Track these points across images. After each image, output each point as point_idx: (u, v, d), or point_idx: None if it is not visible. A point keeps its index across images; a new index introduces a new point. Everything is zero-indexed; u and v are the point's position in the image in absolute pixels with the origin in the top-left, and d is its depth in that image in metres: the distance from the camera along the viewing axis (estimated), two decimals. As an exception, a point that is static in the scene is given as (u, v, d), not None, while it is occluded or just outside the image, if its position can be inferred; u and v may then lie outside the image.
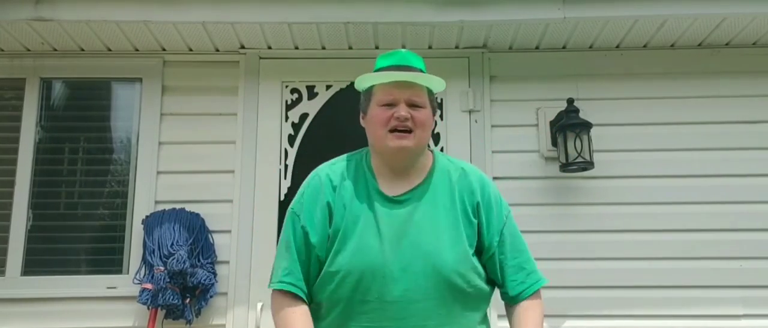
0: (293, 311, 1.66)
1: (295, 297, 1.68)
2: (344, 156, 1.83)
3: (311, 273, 1.71)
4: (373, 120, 1.72)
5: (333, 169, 1.78)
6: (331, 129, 3.72)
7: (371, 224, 1.68)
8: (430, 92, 1.76)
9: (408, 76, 1.70)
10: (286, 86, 3.27)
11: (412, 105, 1.70)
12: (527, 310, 1.72)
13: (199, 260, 2.94)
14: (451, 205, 1.72)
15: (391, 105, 1.69)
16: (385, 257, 1.64)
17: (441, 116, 3.24)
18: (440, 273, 1.64)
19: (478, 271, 1.71)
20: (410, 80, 1.70)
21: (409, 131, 1.69)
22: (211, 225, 3.06)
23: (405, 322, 1.60)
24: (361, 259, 1.65)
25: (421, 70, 1.78)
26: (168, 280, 2.84)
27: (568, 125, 3.05)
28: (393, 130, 1.69)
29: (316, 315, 1.71)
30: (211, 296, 2.95)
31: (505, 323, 1.72)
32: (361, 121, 1.81)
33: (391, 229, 1.68)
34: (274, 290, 1.71)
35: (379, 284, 1.62)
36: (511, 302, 1.76)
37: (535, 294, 1.77)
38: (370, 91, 1.76)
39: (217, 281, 2.99)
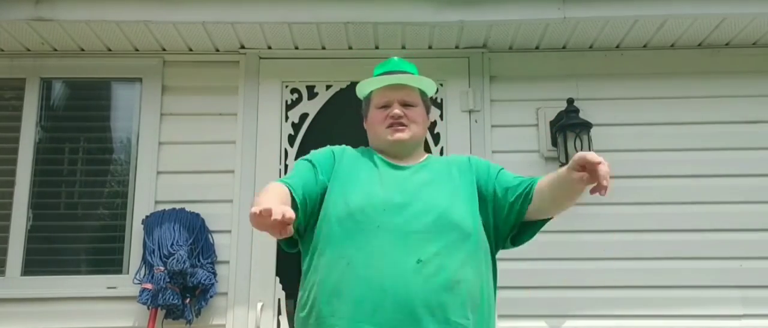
0: (275, 183, 1.67)
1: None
2: None
3: (310, 195, 1.71)
4: (373, 121, 1.91)
5: (350, 148, 1.93)
6: (331, 129, 3.72)
7: (374, 176, 1.78)
8: (422, 93, 1.95)
9: (400, 79, 1.89)
10: (286, 86, 3.28)
11: (405, 104, 1.88)
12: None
13: (199, 260, 2.94)
14: (449, 174, 1.83)
15: (386, 106, 1.88)
16: (386, 196, 1.71)
17: (441, 116, 3.25)
18: (439, 212, 1.68)
19: (477, 218, 1.75)
20: (402, 82, 1.89)
21: (404, 126, 1.86)
22: (211, 225, 3.06)
23: (403, 249, 1.62)
24: (363, 196, 1.70)
25: (414, 74, 1.95)
26: (168, 280, 2.84)
27: (568, 125, 3.05)
28: (390, 126, 1.86)
29: (313, 257, 1.70)
30: (211, 296, 2.95)
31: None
32: (365, 125, 1.99)
33: (394, 181, 1.77)
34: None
35: (378, 215, 1.66)
36: (529, 193, 1.73)
37: None
38: (368, 97, 1.95)
39: (217, 281, 2.99)
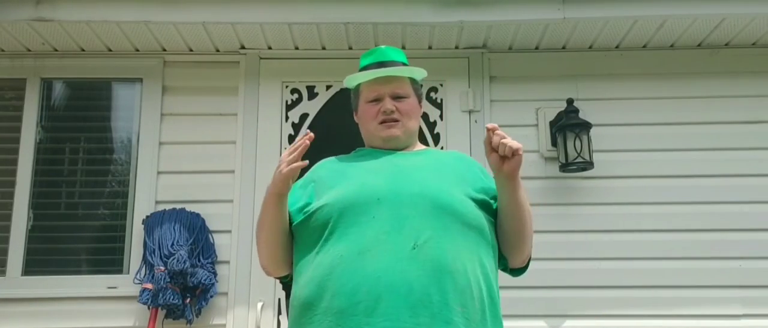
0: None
1: None
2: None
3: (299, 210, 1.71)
4: (364, 116, 1.86)
5: (330, 158, 1.89)
6: (331, 129, 3.72)
7: (366, 168, 1.74)
8: (413, 81, 1.89)
9: (389, 71, 1.83)
10: (287, 86, 3.28)
11: (396, 97, 1.83)
12: None
13: (199, 260, 2.95)
14: (450, 164, 1.79)
15: (377, 100, 1.83)
16: (381, 183, 1.65)
17: (441, 116, 3.25)
18: (436, 196, 1.62)
19: (474, 203, 1.67)
20: (391, 74, 1.84)
21: (397, 121, 1.82)
22: (211, 225, 3.07)
23: (398, 235, 1.54)
24: (356, 188, 1.65)
25: (403, 63, 1.90)
26: (168, 280, 2.84)
27: (568, 125, 3.06)
28: (382, 122, 1.82)
29: (307, 252, 1.65)
30: (211, 296, 2.95)
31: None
32: (355, 118, 1.94)
33: (388, 168, 1.72)
34: None
35: (373, 204, 1.60)
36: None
37: None
38: (357, 90, 1.90)
39: (217, 281, 2.99)
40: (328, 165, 1.82)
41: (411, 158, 1.79)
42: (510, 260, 1.77)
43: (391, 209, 1.58)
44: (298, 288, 1.62)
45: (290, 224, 1.71)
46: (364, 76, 1.85)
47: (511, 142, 1.58)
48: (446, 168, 1.75)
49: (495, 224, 1.71)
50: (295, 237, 1.71)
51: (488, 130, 1.60)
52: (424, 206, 1.59)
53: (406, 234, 1.55)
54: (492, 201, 1.71)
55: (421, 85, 1.98)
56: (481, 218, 1.65)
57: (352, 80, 1.89)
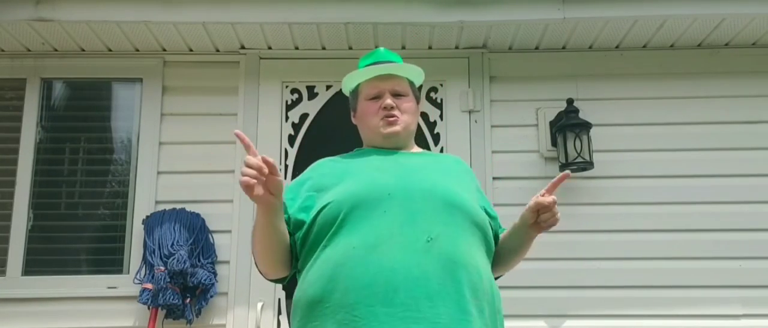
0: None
1: None
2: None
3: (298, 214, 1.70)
4: (363, 114, 1.86)
5: (329, 157, 1.89)
6: (331, 129, 3.72)
7: (371, 165, 1.74)
8: (411, 84, 1.91)
9: (389, 68, 1.86)
10: (286, 86, 3.28)
11: (396, 94, 1.84)
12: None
13: (199, 260, 2.95)
14: (450, 166, 1.83)
15: (377, 97, 1.84)
16: (389, 179, 1.66)
17: (441, 116, 3.25)
18: (445, 193, 1.64)
19: (481, 210, 1.71)
20: (391, 72, 1.86)
21: (397, 117, 1.83)
22: (211, 225, 3.07)
23: (411, 229, 1.55)
24: (364, 184, 1.65)
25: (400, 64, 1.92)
26: (168, 280, 2.84)
27: (568, 125, 3.06)
28: (383, 119, 1.82)
29: (316, 251, 1.63)
30: (211, 296, 2.96)
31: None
32: (353, 119, 1.94)
33: (394, 166, 1.74)
34: None
35: (384, 199, 1.60)
36: (498, 235, 1.83)
37: None
38: (356, 90, 1.91)
39: (217, 281, 2.99)
40: (326, 163, 1.82)
41: (414, 158, 1.82)
42: (496, 263, 1.81)
43: (402, 204, 1.59)
44: (305, 285, 1.60)
45: (289, 223, 1.69)
46: (365, 74, 1.86)
47: (558, 217, 1.67)
48: (449, 170, 1.80)
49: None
50: (299, 236, 1.69)
51: (548, 203, 1.67)
52: (435, 201, 1.61)
53: (419, 228, 1.56)
54: (488, 217, 1.76)
55: (420, 89, 1.99)
56: (486, 220, 1.70)
57: (351, 78, 1.90)
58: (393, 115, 1.81)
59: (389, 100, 1.81)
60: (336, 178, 1.71)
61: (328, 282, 1.54)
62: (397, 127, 1.81)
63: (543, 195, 1.65)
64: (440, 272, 1.51)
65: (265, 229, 1.60)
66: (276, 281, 1.79)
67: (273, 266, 1.70)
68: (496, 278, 1.77)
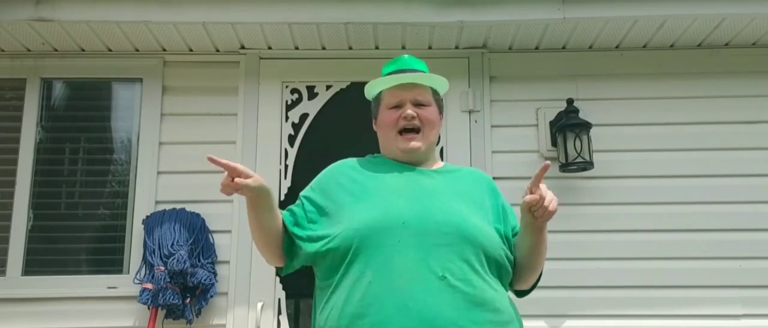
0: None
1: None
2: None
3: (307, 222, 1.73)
4: (384, 123, 1.82)
5: (349, 160, 1.87)
6: (331, 129, 3.72)
7: (390, 185, 1.71)
8: (434, 93, 1.87)
9: (411, 77, 1.81)
10: (286, 86, 3.28)
11: (417, 104, 1.79)
12: None
13: (199, 260, 2.95)
14: (472, 188, 1.78)
15: (398, 106, 1.79)
16: (406, 207, 1.64)
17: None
18: (462, 224, 1.62)
19: (498, 236, 1.70)
20: (413, 81, 1.81)
21: (417, 131, 1.78)
22: (211, 225, 3.07)
23: (425, 264, 1.55)
24: (381, 210, 1.64)
25: (425, 73, 1.88)
26: (168, 280, 2.84)
27: (568, 125, 3.06)
28: (402, 132, 1.78)
29: (332, 275, 1.64)
30: (211, 296, 2.96)
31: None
32: (374, 126, 1.91)
33: (412, 190, 1.70)
34: None
35: (399, 229, 1.59)
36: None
37: None
38: (378, 97, 1.87)
39: (217, 281, 2.99)
40: (345, 171, 1.79)
41: (432, 178, 1.77)
42: (517, 284, 1.80)
43: (416, 236, 1.59)
44: (324, 316, 1.62)
45: (300, 237, 1.71)
46: (387, 82, 1.82)
47: (553, 206, 1.59)
48: (467, 193, 1.75)
49: (512, 254, 1.75)
50: (314, 261, 1.69)
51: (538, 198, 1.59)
52: (450, 235, 1.60)
53: (434, 264, 1.55)
54: (510, 235, 1.75)
55: (442, 98, 1.94)
56: (501, 249, 1.68)
57: (374, 86, 1.86)
58: (413, 127, 1.77)
59: (410, 110, 1.77)
60: (352, 196, 1.70)
61: (343, 316, 1.56)
62: (417, 144, 1.78)
63: (528, 194, 1.61)
64: (456, 313, 1.52)
65: (251, 222, 1.71)
66: (277, 270, 1.82)
67: (268, 254, 1.76)
68: (531, 289, 1.80)
